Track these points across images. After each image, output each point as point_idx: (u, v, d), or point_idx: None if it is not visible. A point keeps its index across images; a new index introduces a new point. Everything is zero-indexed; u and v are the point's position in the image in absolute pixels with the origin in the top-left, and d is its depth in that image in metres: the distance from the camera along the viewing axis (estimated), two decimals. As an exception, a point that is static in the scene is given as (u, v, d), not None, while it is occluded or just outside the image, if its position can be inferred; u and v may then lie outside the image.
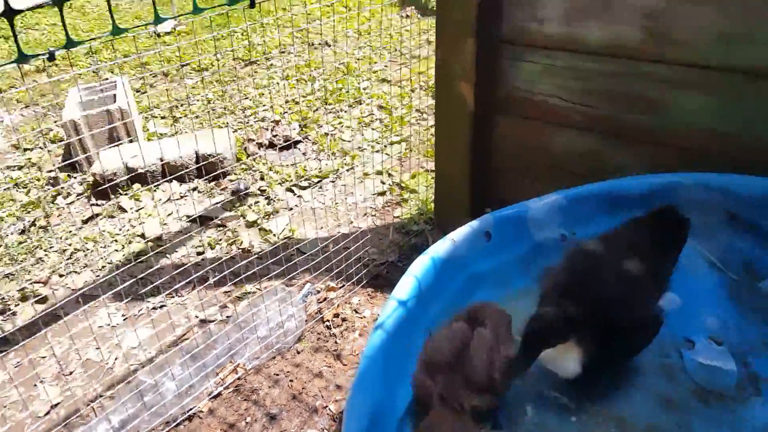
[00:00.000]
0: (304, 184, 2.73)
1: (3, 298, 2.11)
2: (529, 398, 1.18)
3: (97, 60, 4.19)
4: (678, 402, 1.15)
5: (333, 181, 2.74)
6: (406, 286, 1.28)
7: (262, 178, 2.80)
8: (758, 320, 1.31)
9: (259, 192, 2.70)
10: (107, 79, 3.52)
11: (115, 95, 3.14)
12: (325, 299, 2.00)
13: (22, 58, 0.95)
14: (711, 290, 1.37)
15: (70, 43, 1.00)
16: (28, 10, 1.03)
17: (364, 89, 3.58)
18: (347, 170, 2.80)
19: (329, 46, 4.32)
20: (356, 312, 1.93)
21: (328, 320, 1.89)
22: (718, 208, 1.46)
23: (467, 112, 1.85)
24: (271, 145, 3.08)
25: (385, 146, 2.94)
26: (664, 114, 1.57)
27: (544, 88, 1.74)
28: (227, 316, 1.96)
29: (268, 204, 2.61)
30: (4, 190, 2.77)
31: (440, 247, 1.39)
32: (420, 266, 1.34)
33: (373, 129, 3.13)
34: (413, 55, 3.67)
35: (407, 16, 4.60)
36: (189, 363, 1.64)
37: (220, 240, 2.38)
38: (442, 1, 1.80)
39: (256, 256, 2.13)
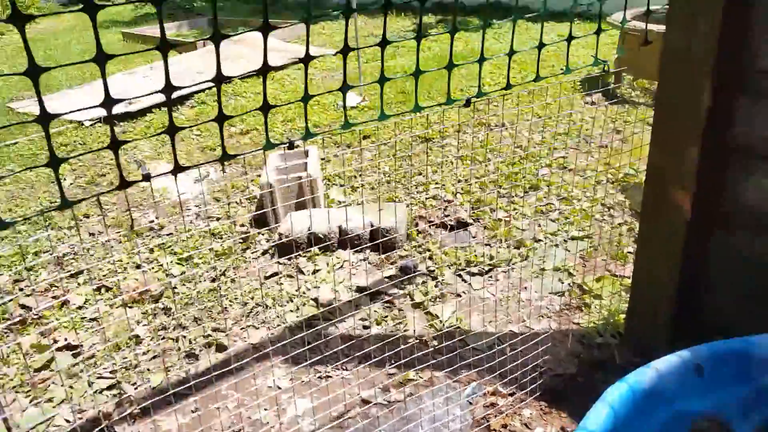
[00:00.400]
0: (474, 270, 2.65)
1: (191, 342, 2.30)
2: None
3: (290, 128, 4.65)
4: None
5: (505, 272, 2.63)
6: (599, 416, 1.13)
7: (430, 258, 2.78)
8: None
9: (427, 272, 2.68)
10: (298, 146, 3.86)
11: (306, 163, 3.41)
12: (492, 405, 1.85)
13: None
14: None
15: (308, 135, 1.07)
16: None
17: (542, 176, 3.47)
18: (521, 262, 2.68)
19: (506, 128, 4.31)
20: (527, 427, 1.76)
21: (495, 430, 1.74)
22: None
23: (681, 222, 1.65)
24: (442, 225, 3.08)
25: (566, 241, 2.77)
26: None
27: None
28: (388, 401, 1.91)
29: (436, 286, 2.57)
30: (202, 237, 3.10)
31: (642, 376, 1.22)
32: (617, 394, 1.18)
33: (551, 220, 2.98)
34: (599, 144, 3.50)
35: (593, 103, 4.45)
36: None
37: (386, 317, 2.38)
38: (664, 103, 1.67)
39: (420, 341, 2.08)
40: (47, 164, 1.03)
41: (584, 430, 1.12)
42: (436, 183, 3.57)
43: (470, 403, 1.86)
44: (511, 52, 1.49)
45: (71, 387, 2.08)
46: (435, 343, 2.13)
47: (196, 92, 5.25)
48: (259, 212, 3.26)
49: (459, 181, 3.58)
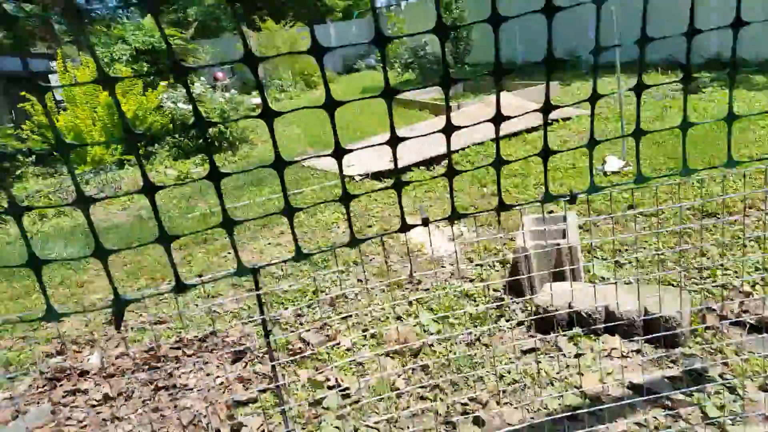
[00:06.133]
0: (789, 389, 2.12)
1: (448, 407, 2.28)
2: None
3: (541, 192, 4.52)
4: None
5: (838, 400, 2.04)
6: None
7: (725, 364, 2.32)
8: None
9: (719, 379, 2.23)
10: (552, 211, 3.70)
11: (564, 230, 3.23)
12: None
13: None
14: None
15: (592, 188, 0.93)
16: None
17: None
18: None
19: (822, 210, 3.49)
20: None
21: None
22: None
23: None
24: (739, 323, 2.56)
25: None
26: None
27: None
28: None
29: (735, 401, 2.11)
30: (457, 297, 3.12)
31: None
32: None
33: None
34: None
35: None
36: None
37: (669, 428, 2.03)
38: None
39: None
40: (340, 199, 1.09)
41: None
42: (725, 269, 3.03)
43: None
44: None
45: (338, 428, 2.22)
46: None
47: (454, 152, 5.51)
48: (513, 278, 3.17)
49: (758, 269, 2.98)
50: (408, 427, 2.18)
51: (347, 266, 3.66)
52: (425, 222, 1.49)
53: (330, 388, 2.44)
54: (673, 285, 2.91)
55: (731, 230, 3.49)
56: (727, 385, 2.19)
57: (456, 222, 4.16)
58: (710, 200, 3.82)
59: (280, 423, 2.27)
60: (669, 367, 2.37)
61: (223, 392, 2.53)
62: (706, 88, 7.38)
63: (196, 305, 3.38)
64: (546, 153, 1.42)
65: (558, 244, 3.09)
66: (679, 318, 2.50)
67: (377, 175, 5.33)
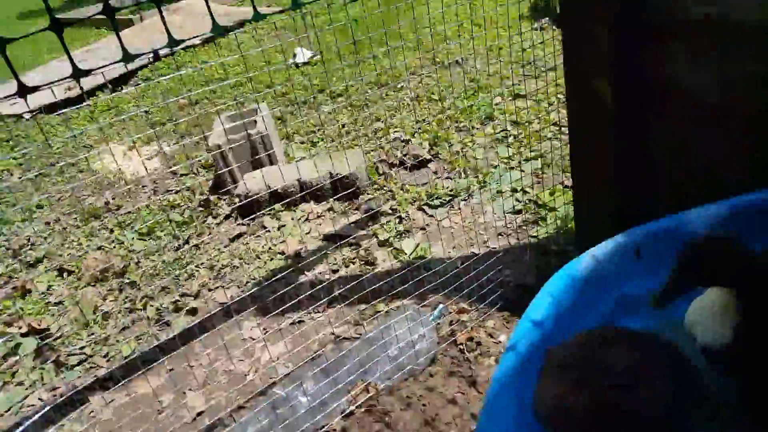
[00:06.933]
0: (436, 202, 2.67)
1: (159, 309, 2.30)
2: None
3: (242, 93, 4.56)
4: None
5: (465, 200, 2.65)
6: (541, 306, 1.16)
7: (393, 198, 2.79)
8: None
9: (390, 211, 2.69)
10: (248, 108, 3.79)
11: (255, 121, 3.35)
12: (458, 321, 1.89)
13: (127, 56, 1.00)
14: None
15: (172, 42, 1.04)
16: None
17: (496, 105, 3.46)
18: (480, 188, 2.69)
19: (459, 64, 4.27)
20: (491, 336, 1.80)
21: (461, 343, 1.78)
22: None
23: (605, 113, 1.60)
24: (402, 165, 3.07)
25: (520, 162, 2.79)
26: None
27: (698, 81, 1.47)
28: (359, 333, 1.94)
29: (400, 223, 2.58)
30: (163, 211, 3.06)
31: (580, 264, 1.24)
32: (556, 284, 1.20)
33: (507, 146, 2.99)
34: (549, 67, 3.48)
35: (541, 29, 4.41)
36: (321, 378, 1.63)
37: (354, 259, 2.39)
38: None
39: (388, 275, 2.10)
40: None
41: (527, 319, 1.15)
42: (395, 127, 3.55)
43: (438, 324, 1.90)
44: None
45: (42, 368, 2.07)
46: (402, 274, 2.15)
47: (140, 68, 5.09)
48: (217, 181, 3.22)
49: (417, 121, 3.56)
50: (118, 341, 2.15)
51: (30, 212, 3.24)
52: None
53: (25, 335, 2.22)
54: (353, 148, 3.30)
55: (399, 95, 4.05)
56: (395, 214, 2.65)
57: (155, 139, 3.95)
58: (385, 72, 4.33)
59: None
60: (354, 214, 2.75)
61: None
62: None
63: None
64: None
65: (249, 135, 3.20)
66: (358, 174, 2.89)
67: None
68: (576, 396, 0.93)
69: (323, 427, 1.55)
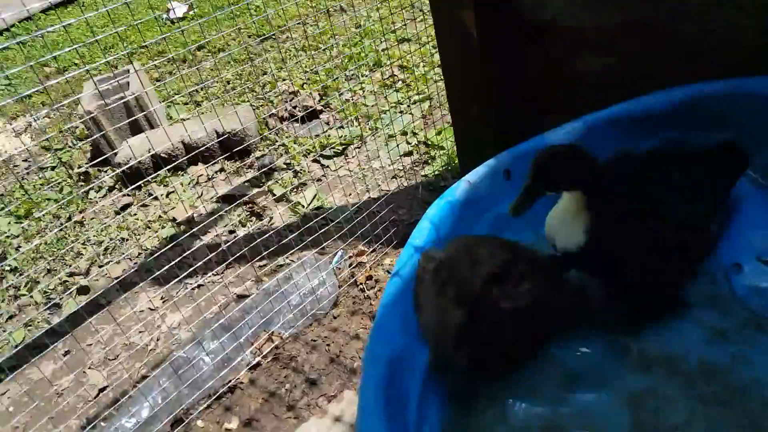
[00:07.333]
0: (329, 153, 2.67)
1: (47, 292, 2.16)
2: (580, 339, 1.10)
3: (114, 54, 4.22)
4: (731, 333, 1.05)
5: (358, 148, 2.67)
6: (422, 232, 1.23)
7: (287, 152, 2.76)
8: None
9: (284, 166, 2.66)
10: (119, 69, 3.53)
11: (129, 83, 3.13)
12: (357, 264, 1.95)
13: None
14: (756, 210, 1.25)
15: None
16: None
17: (383, 50, 3.47)
18: (371, 135, 2.73)
19: (345, 11, 4.20)
20: (388, 273, 1.88)
21: (361, 283, 1.85)
22: (758, 117, 1.31)
23: (472, 42, 1.65)
24: (293, 118, 3.03)
25: (409, 106, 2.84)
26: (699, 21, 1.40)
27: (556, 3, 1.56)
28: (262, 289, 1.94)
29: (295, 177, 2.57)
30: (40, 191, 2.83)
31: (456, 190, 1.32)
32: (436, 210, 1.27)
33: (395, 90, 3.03)
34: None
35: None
36: (223, 336, 1.63)
37: (251, 217, 2.37)
38: None
39: (287, 229, 2.11)
40: None
41: (410, 246, 1.21)
42: (282, 79, 3.46)
43: (338, 269, 1.95)
44: None
45: None
46: (301, 227, 2.17)
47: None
48: (96, 151, 3.00)
49: (305, 72, 3.49)
50: (5, 331, 2.01)
51: None
52: None
53: None
54: (239, 104, 3.20)
55: (285, 46, 3.93)
56: (290, 168, 2.63)
57: (23, 114, 3.60)
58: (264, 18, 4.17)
59: None
60: (247, 172, 2.69)
61: None
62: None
63: None
64: None
65: (123, 98, 2.99)
66: (247, 130, 2.81)
67: None
68: (453, 310, 1.02)
69: (230, 381, 1.57)
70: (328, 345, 1.64)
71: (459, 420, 1.03)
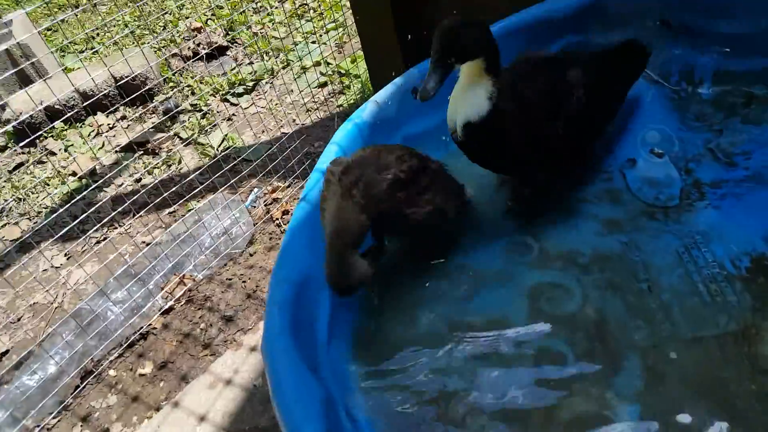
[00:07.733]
0: (240, 90, 2.53)
1: (-63, 263, 1.98)
2: (486, 244, 1.10)
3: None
4: (624, 223, 1.07)
5: (270, 83, 2.54)
6: (328, 156, 1.17)
7: (192, 93, 2.59)
8: (701, 128, 1.21)
9: (191, 107, 2.50)
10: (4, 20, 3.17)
11: (11, 32, 2.82)
12: (273, 200, 1.88)
13: None
14: (650, 105, 1.27)
15: None
16: None
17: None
18: (283, 68, 2.59)
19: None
20: (306, 205, 1.82)
21: (277, 219, 1.79)
22: (651, 15, 1.32)
23: None
24: (197, 56, 2.83)
25: (321, 36, 2.71)
26: None
27: None
28: (172, 234, 1.85)
29: (203, 118, 2.42)
30: None
31: (363, 112, 1.26)
32: (343, 134, 1.22)
33: (307, 20, 2.87)
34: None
35: None
36: (133, 285, 1.55)
37: (158, 164, 2.23)
38: None
39: (197, 172, 1.99)
40: None
41: (317, 171, 1.15)
42: (185, 17, 3.21)
43: (253, 206, 1.87)
44: None
45: None
46: (212, 169, 2.06)
47: None
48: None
49: (209, 7, 3.25)
50: None
51: None
52: None
53: None
54: (137, 46, 2.95)
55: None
56: (197, 109, 2.48)
57: None
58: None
59: None
60: (151, 118, 2.52)
61: None
62: None
63: None
64: None
65: (6, 50, 2.70)
66: (147, 73, 2.61)
67: None
68: (357, 215, 0.97)
69: (141, 328, 1.50)
70: (244, 282, 1.58)
71: (369, 333, 1.02)
